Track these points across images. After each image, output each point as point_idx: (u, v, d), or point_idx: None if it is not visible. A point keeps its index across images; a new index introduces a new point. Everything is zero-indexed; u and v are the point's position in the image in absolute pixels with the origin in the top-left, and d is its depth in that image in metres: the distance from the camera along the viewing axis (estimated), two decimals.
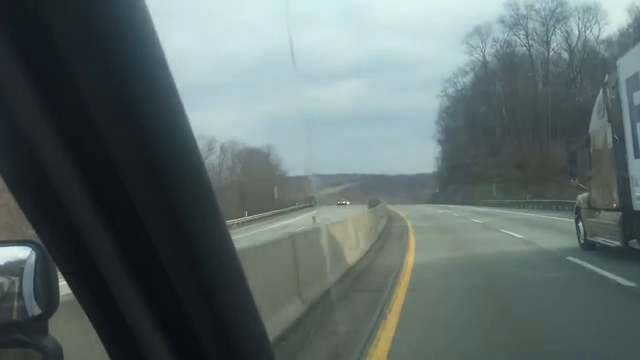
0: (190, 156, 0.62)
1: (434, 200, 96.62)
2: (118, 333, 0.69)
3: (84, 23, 0.53)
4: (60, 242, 0.64)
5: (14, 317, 0.98)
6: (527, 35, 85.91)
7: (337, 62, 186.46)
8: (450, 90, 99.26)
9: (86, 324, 0.71)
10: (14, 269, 0.98)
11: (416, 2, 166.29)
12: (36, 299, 0.96)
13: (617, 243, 10.65)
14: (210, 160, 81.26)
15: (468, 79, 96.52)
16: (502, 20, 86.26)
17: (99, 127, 0.56)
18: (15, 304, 0.97)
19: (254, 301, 0.73)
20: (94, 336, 0.71)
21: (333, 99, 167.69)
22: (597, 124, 11.82)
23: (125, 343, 0.69)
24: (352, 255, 12.19)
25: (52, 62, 0.53)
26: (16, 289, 0.97)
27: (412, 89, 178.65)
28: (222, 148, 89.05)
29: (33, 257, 0.96)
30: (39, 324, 0.95)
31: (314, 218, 30.77)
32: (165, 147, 0.59)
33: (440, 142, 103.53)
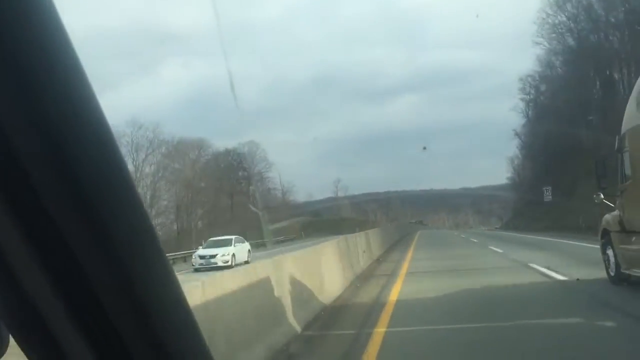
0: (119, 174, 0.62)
1: (515, 225, 70.32)
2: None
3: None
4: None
5: None
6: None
7: (389, 79, 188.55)
8: (527, 98, 76.08)
9: None
10: None
11: (467, 13, 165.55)
12: None
13: None
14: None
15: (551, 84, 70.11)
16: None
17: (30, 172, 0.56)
18: None
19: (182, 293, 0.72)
20: None
21: (387, 117, 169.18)
22: (637, 119, 8.58)
23: None
24: None
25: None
26: None
27: (468, 101, 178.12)
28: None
29: None
30: None
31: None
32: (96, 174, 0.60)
33: (521, 144, 79.93)
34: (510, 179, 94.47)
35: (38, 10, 0.54)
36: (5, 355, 0.83)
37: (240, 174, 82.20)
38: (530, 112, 75.42)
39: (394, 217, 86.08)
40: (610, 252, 9.72)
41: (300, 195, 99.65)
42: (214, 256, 26.23)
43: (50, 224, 0.57)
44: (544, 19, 62.33)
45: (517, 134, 79.10)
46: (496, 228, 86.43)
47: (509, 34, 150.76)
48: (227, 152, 79.15)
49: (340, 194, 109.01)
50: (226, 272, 8.04)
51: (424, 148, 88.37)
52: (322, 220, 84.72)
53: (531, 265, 13.79)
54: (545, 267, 12.74)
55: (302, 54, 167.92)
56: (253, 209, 56.67)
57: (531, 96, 74.53)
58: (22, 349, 0.65)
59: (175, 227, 63.20)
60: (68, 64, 0.57)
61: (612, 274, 9.72)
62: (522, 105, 75.45)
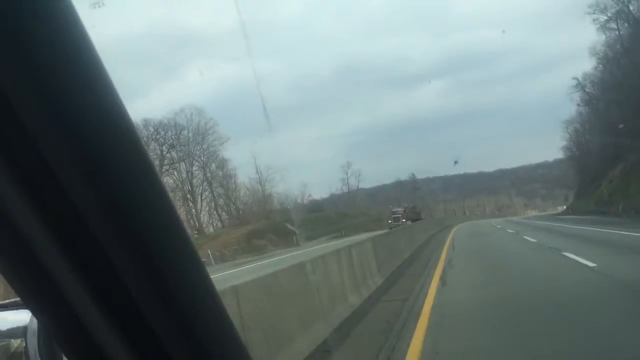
0: (152, 184, 0.65)
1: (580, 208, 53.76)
2: None
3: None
4: (49, 311, 0.67)
5: None
6: None
7: (416, 65, 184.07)
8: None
9: None
10: (18, 331, 1.04)
11: None
12: (41, 357, 1.01)
13: None
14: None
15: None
16: None
17: (70, 186, 0.58)
18: None
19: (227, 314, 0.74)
20: None
21: (415, 103, 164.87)
22: None
23: None
24: None
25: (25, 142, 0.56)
26: (22, 350, 1.03)
27: (498, 82, 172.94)
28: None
29: (34, 319, 0.99)
30: None
31: None
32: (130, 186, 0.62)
33: (586, 99, 60.75)
34: (567, 150, 75.70)
35: (63, 22, 0.56)
36: None
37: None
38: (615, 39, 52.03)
39: (419, 208, 72.82)
40: None
41: (323, 192, 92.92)
42: None
43: (82, 228, 0.60)
44: None
45: (580, 84, 60.46)
46: (557, 215, 61.83)
47: (537, 10, 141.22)
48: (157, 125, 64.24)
49: (353, 180, 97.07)
50: None
51: (456, 162, 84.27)
52: (317, 217, 65.99)
53: None
54: None
55: (325, 47, 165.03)
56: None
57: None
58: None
59: None
60: (91, 67, 0.59)
61: None
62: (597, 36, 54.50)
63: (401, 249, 15.69)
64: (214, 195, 67.88)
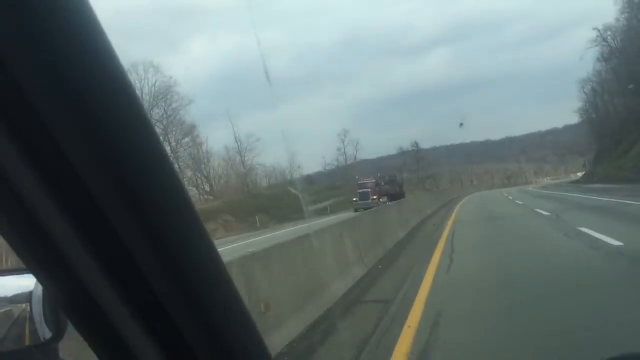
0: (162, 164, 0.65)
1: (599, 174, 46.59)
2: (118, 356, 0.72)
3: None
4: (54, 278, 0.67)
5: (27, 342, 1.03)
6: None
7: (420, 33, 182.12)
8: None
9: None
10: (22, 296, 1.03)
11: None
12: (46, 323, 1.01)
13: None
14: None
15: None
16: None
17: (81, 167, 0.58)
18: (27, 329, 1.02)
19: (242, 302, 0.76)
20: None
21: (421, 72, 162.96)
22: None
23: None
24: None
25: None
26: (27, 315, 1.02)
27: (504, 49, 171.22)
28: None
29: (39, 285, 1.00)
30: (50, 348, 1.00)
31: None
32: (144, 174, 0.62)
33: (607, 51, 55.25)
34: (582, 112, 69.20)
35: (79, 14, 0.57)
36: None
37: None
38: None
39: (400, 179, 65.48)
40: None
41: (318, 165, 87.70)
42: None
43: (102, 221, 0.61)
44: None
45: (600, 36, 54.51)
46: (579, 182, 53.62)
47: None
48: None
49: (351, 150, 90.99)
50: None
51: (461, 124, 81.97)
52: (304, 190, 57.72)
53: None
54: None
55: (327, 17, 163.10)
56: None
57: None
58: (88, 342, 0.71)
59: None
60: (103, 56, 0.59)
61: None
62: None
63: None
64: (179, 166, 57.85)
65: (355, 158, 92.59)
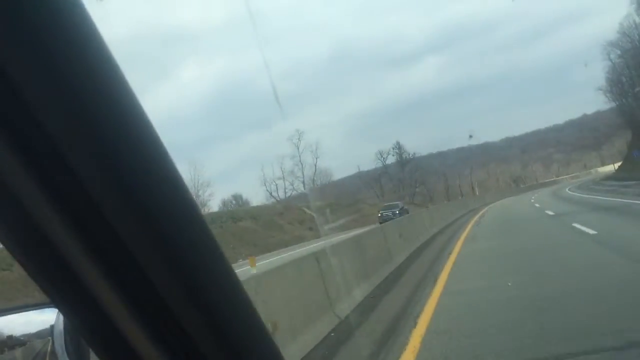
0: (170, 174, 0.64)
1: None
2: None
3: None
4: (74, 308, 0.67)
5: None
6: None
7: (410, 44, 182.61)
8: None
9: None
10: (44, 330, 1.04)
11: None
12: (69, 357, 1.01)
13: None
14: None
15: None
16: None
17: (88, 184, 0.58)
18: None
19: (261, 319, 0.75)
20: None
21: (414, 81, 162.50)
22: None
23: None
24: None
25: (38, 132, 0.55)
26: (49, 349, 1.03)
27: (496, 51, 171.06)
28: None
29: (60, 317, 1.02)
30: None
31: None
32: (151, 184, 0.62)
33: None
34: (607, 92, 59.62)
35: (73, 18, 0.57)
36: None
37: None
38: None
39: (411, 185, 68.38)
40: None
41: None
42: None
43: (108, 230, 0.61)
44: None
45: None
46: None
47: None
48: None
49: (309, 157, 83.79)
50: None
51: (470, 136, 77.54)
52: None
53: None
54: None
55: (318, 33, 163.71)
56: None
57: None
58: None
59: None
60: (105, 65, 0.59)
61: None
62: None
63: None
64: None
65: (316, 164, 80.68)
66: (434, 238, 17.71)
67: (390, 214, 42.40)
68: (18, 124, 0.55)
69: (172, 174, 0.64)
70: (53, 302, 0.67)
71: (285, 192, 78.95)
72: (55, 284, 0.65)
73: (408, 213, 36.05)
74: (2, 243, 0.62)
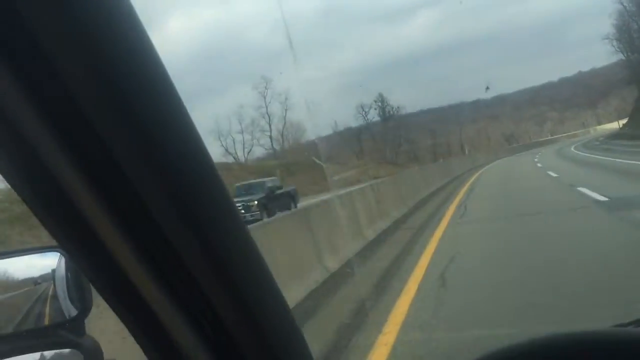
0: (196, 150, 0.64)
1: None
2: (149, 331, 0.72)
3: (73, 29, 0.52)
4: (81, 251, 0.66)
5: (52, 320, 1.02)
6: None
7: None
8: None
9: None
10: (46, 274, 1.02)
11: None
12: (71, 300, 1.00)
13: None
14: None
15: None
16: None
17: (110, 139, 0.57)
18: (52, 307, 1.01)
19: (282, 294, 0.75)
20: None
21: (407, 36, 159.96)
22: None
23: (158, 341, 0.72)
24: None
25: (47, 72, 0.53)
26: (50, 293, 1.01)
27: (490, 8, 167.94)
28: None
29: (62, 261, 1.00)
30: (76, 325, 0.99)
31: None
32: (172, 148, 0.61)
33: None
34: (616, 40, 57.75)
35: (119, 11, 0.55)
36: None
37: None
38: None
39: (395, 144, 65.36)
40: None
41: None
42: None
43: (148, 219, 0.62)
44: None
45: None
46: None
47: None
48: None
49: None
50: None
51: (487, 88, 73.27)
52: None
53: None
54: None
55: None
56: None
57: None
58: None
59: None
60: (148, 56, 0.58)
61: None
62: None
63: None
64: None
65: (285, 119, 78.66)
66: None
67: (242, 206, 22.12)
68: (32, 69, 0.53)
69: (188, 124, 0.62)
70: (59, 243, 0.66)
71: (244, 149, 75.78)
72: (61, 224, 0.63)
73: (295, 200, 24.96)
74: (9, 182, 0.61)
